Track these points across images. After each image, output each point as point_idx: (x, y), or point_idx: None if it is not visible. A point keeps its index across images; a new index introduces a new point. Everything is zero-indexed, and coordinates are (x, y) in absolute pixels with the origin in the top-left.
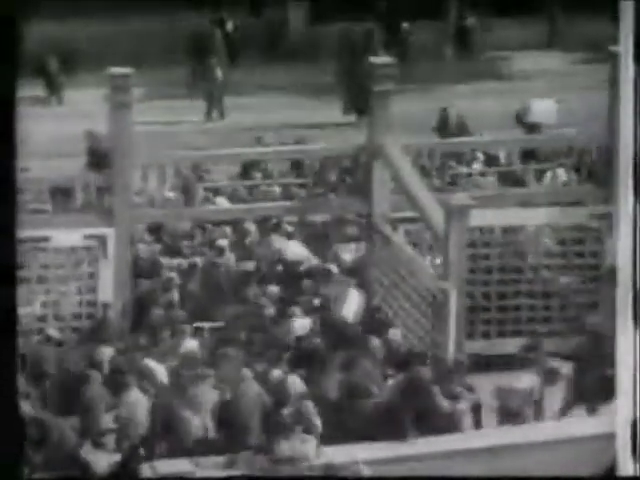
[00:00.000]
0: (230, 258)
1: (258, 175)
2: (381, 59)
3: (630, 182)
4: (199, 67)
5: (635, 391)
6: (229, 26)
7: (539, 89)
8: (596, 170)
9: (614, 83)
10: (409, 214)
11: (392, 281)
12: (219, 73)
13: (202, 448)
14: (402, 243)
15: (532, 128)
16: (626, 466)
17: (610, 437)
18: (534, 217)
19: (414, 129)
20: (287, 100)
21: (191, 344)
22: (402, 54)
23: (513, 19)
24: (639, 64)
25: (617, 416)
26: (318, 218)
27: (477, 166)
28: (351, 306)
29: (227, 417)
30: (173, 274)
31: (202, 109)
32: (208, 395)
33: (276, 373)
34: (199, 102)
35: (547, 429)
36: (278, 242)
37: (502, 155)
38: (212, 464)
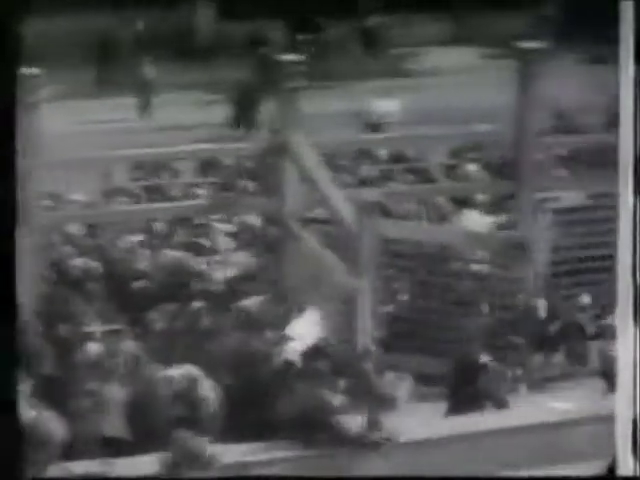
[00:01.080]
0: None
1: (167, 174)
2: (290, 56)
3: (630, 182)
4: (108, 66)
5: (635, 391)
6: (139, 25)
7: (448, 85)
8: (504, 165)
9: (522, 78)
10: (322, 214)
11: (304, 280)
12: (149, 71)
13: (113, 448)
14: (313, 241)
15: (375, 128)
16: (626, 466)
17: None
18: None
19: (324, 127)
20: (198, 98)
21: (95, 347)
22: (311, 51)
23: (422, 16)
24: (639, 64)
25: (617, 416)
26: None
27: (387, 163)
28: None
29: (137, 417)
30: (80, 275)
31: (111, 108)
32: (117, 395)
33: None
34: (109, 101)
35: None
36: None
37: (412, 151)
38: (125, 464)
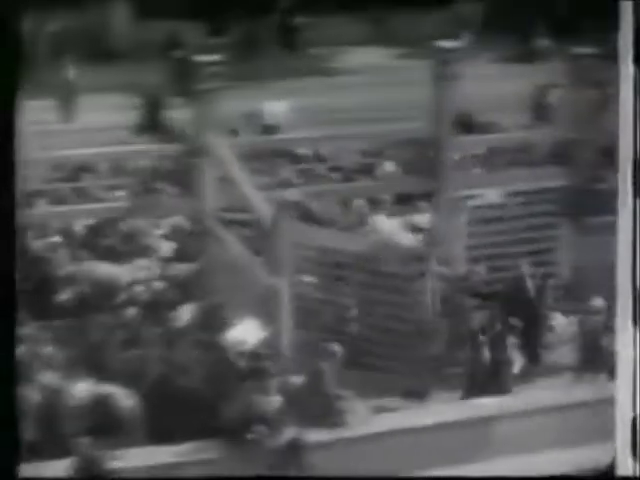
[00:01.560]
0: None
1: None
2: (206, 57)
3: (630, 182)
4: (27, 68)
5: (635, 390)
6: (52, 26)
7: (364, 84)
8: (422, 163)
9: (438, 78)
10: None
11: (226, 280)
12: (71, 73)
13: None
14: (233, 241)
15: (267, 130)
16: (626, 466)
17: None
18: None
19: (242, 126)
20: (115, 100)
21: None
22: (229, 52)
23: (338, 16)
24: (639, 64)
25: (617, 416)
26: None
27: (307, 163)
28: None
29: (47, 424)
30: None
31: (31, 109)
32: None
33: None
34: (30, 102)
35: None
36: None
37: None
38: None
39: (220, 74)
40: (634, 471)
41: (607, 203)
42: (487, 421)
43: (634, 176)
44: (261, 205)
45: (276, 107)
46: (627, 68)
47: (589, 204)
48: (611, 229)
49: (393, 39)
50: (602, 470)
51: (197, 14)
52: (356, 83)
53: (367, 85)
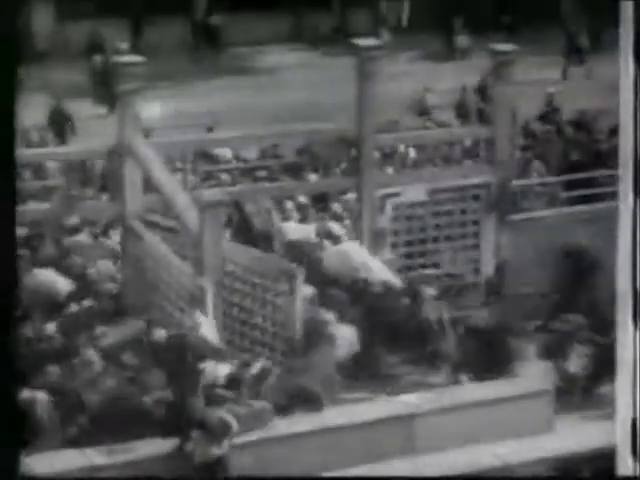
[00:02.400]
0: None
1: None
2: (127, 58)
3: (630, 181)
4: None
5: (635, 391)
6: None
7: (286, 82)
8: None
9: (361, 76)
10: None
11: (149, 282)
12: None
13: None
14: (157, 242)
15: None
16: (626, 466)
17: None
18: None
19: (165, 127)
20: (41, 100)
21: None
22: (150, 52)
23: (259, 14)
24: (639, 64)
25: (617, 416)
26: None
27: (228, 163)
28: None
29: None
30: None
31: None
32: None
33: None
34: None
35: None
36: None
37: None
38: None
39: (142, 74)
40: (634, 471)
41: (531, 199)
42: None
43: (634, 176)
44: (186, 206)
45: (148, 111)
46: (627, 68)
47: (512, 201)
48: (536, 225)
49: (314, 37)
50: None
51: (119, 14)
52: (278, 82)
53: (289, 84)
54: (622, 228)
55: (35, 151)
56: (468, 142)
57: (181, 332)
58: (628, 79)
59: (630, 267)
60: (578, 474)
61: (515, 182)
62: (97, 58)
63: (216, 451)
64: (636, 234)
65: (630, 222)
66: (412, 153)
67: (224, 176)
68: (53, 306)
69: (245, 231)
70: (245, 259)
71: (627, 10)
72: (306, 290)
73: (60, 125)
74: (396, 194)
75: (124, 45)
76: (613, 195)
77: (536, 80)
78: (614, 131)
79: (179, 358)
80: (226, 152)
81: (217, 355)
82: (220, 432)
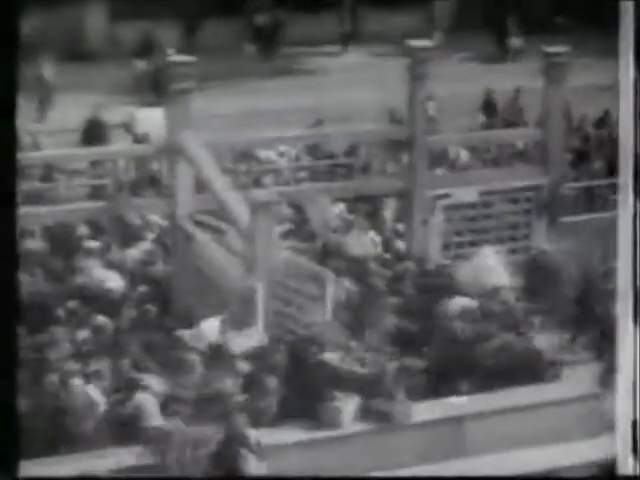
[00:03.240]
0: None
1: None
2: (180, 57)
3: (630, 182)
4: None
5: (635, 391)
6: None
7: (339, 83)
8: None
9: (413, 76)
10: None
11: (198, 280)
12: (49, 72)
13: None
14: (207, 241)
15: (140, 139)
16: (626, 465)
17: None
18: None
19: (218, 126)
20: (94, 99)
21: None
22: (202, 51)
23: (311, 15)
24: (639, 64)
25: (617, 416)
26: None
27: (283, 162)
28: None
29: None
30: None
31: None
32: None
33: None
34: None
35: None
36: None
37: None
38: None
39: (194, 74)
40: (634, 470)
41: (582, 202)
42: None
43: (634, 176)
44: (237, 206)
45: (149, 115)
46: (627, 68)
47: (563, 203)
48: (587, 227)
49: (367, 38)
50: (602, 470)
51: (172, 15)
52: (330, 83)
53: (342, 84)
54: (622, 229)
55: (85, 150)
56: (520, 144)
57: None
58: (628, 79)
59: (630, 267)
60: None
61: (566, 185)
62: (148, 58)
63: None
64: (636, 235)
65: (630, 223)
66: (464, 155)
67: (271, 177)
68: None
69: (304, 234)
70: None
71: (627, 10)
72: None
73: (94, 135)
74: (447, 195)
75: (177, 45)
76: None
77: (591, 84)
78: None
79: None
80: (271, 153)
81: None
82: None
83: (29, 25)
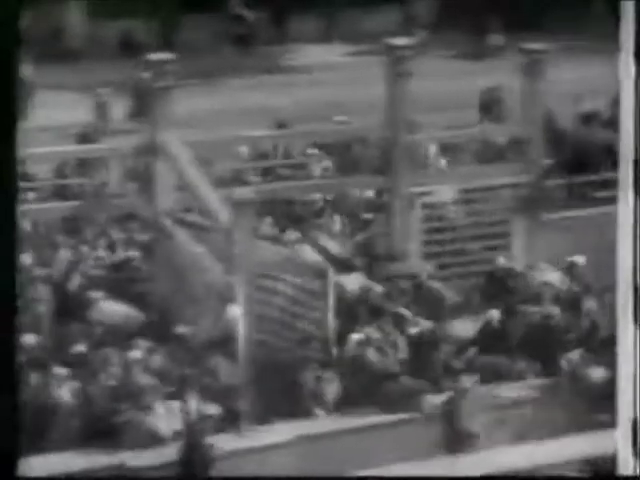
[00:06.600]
0: None
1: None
2: (159, 55)
3: (630, 182)
4: None
5: (635, 391)
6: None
7: (319, 81)
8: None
9: (393, 75)
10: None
11: (176, 278)
12: (26, 71)
13: None
14: (186, 240)
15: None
16: (626, 465)
17: None
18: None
19: (198, 125)
20: (71, 98)
21: None
22: (181, 49)
23: (292, 13)
24: (639, 64)
25: (617, 416)
26: None
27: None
28: None
29: None
30: None
31: None
32: None
33: None
34: None
35: None
36: None
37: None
38: None
39: (175, 72)
40: (635, 470)
41: (561, 199)
42: None
43: (634, 176)
44: (216, 203)
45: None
46: (628, 68)
47: (544, 200)
48: (567, 225)
49: (347, 36)
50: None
51: (151, 13)
52: (312, 80)
53: (320, 83)
54: (622, 228)
55: (64, 149)
56: (499, 142)
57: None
58: (628, 79)
59: (630, 267)
60: None
61: (547, 182)
62: (127, 57)
63: None
64: (636, 234)
65: (630, 222)
66: (443, 153)
67: (251, 175)
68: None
69: None
70: (277, 258)
71: (627, 10)
72: None
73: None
74: (426, 194)
75: (156, 43)
76: None
77: (570, 80)
78: None
79: None
80: (245, 150)
81: None
82: None
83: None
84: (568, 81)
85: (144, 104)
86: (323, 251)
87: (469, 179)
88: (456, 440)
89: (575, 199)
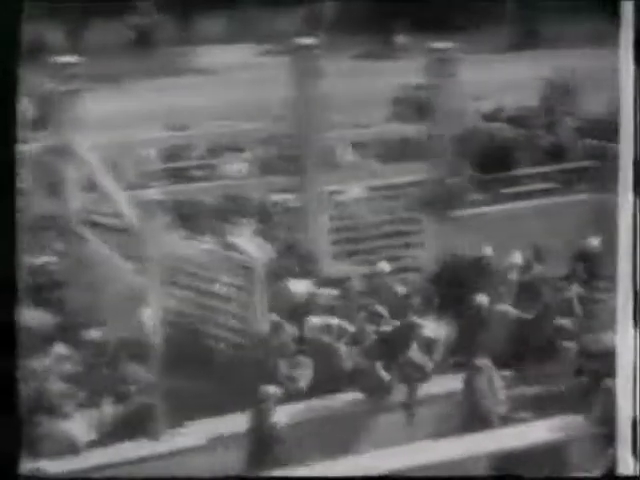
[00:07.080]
0: None
1: None
2: (65, 58)
3: (630, 182)
4: None
5: (635, 391)
6: None
7: (227, 82)
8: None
9: (301, 74)
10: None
11: (90, 281)
12: None
13: None
14: (98, 243)
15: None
16: (626, 466)
17: None
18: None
19: (105, 127)
20: None
21: None
22: (87, 52)
23: (198, 14)
24: (639, 64)
25: (617, 416)
26: None
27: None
28: None
29: None
30: None
31: None
32: None
33: None
34: None
35: None
36: None
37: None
38: None
39: (80, 75)
40: (634, 470)
41: (467, 196)
42: None
43: (634, 176)
44: (126, 206)
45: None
46: (628, 68)
47: (451, 197)
48: (476, 222)
49: (252, 36)
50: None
51: (58, 15)
52: (214, 82)
53: (226, 83)
54: (622, 228)
55: None
56: (409, 140)
57: None
58: (628, 79)
59: (630, 267)
60: None
61: (450, 179)
62: (34, 61)
63: None
64: (636, 234)
65: (630, 222)
66: (353, 151)
67: (160, 177)
68: None
69: None
70: (197, 255)
71: (627, 10)
72: None
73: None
74: (337, 192)
75: (63, 46)
76: (555, 191)
77: (477, 78)
78: (550, 126)
79: None
80: (152, 152)
81: None
82: None
83: None
84: (475, 79)
85: (50, 107)
86: (240, 252)
87: (378, 177)
88: None
89: (484, 196)
